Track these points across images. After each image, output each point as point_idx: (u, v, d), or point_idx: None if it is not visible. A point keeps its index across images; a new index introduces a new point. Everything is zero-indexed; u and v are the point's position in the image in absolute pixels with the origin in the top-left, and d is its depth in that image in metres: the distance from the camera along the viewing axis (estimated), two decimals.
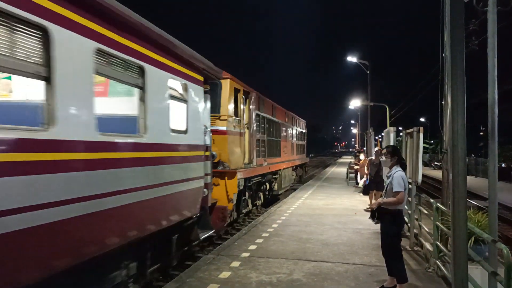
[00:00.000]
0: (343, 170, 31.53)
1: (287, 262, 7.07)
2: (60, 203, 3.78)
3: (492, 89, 5.14)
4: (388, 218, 5.65)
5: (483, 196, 20.28)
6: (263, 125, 14.65)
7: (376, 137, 29.40)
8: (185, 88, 6.87)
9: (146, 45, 5.45)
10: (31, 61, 3.58)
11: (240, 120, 12.04)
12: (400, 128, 19.84)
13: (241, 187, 11.17)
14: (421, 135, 7.84)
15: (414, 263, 7.08)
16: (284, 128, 18.88)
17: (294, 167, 21.59)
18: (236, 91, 11.76)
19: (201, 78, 7.59)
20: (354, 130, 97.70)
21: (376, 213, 5.81)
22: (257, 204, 14.20)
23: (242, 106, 12.26)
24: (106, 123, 4.87)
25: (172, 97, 6.32)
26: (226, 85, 10.87)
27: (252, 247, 8.12)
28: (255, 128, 13.15)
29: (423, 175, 8.76)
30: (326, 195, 17.13)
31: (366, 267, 6.86)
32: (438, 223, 6.61)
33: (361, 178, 17.51)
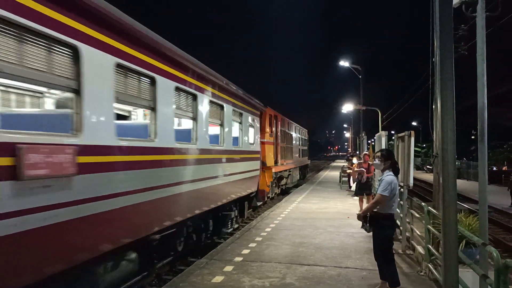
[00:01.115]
0: (336, 174, 31.61)
1: (280, 266, 7.08)
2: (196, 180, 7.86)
3: (481, 94, 5.20)
4: (380, 222, 5.69)
5: (474, 199, 20.41)
6: (282, 136, 20.61)
7: (369, 141, 29.55)
8: (253, 119, 12.93)
9: (246, 103, 11.79)
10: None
11: (272, 134, 17.80)
12: (393, 132, 19.99)
13: (274, 178, 17.49)
14: (412, 139, 7.90)
15: (406, 267, 7.11)
16: (294, 137, 25.01)
17: (300, 167, 27.98)
18: (270, 116, 17.61)
19: (258, 112, 13.77)
20: (347, 134, 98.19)
21: (368, 219, 5.84)
22: (276, 193, 19.17)
23: (273, 125, 18.16)
24: (236, 142, 10.95)
25: (250, 125, 12.39)
26: (266, 113, 16.60)
27: (246, 251, 8.11)
28: (279, 139, 19.43)
29: (416, 179, 8.83)
30: (319, 199, 17.16)
31: (358, 270, 6.88)
32: (429, 226, 6.65)
33: (353, 182, 17.57)
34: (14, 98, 6.48)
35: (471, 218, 7.27)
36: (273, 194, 18.02)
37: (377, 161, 6.08)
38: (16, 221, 3.49)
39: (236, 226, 11.49)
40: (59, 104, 6.67)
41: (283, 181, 20.65)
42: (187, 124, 8.32)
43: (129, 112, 9.13)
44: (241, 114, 11.24)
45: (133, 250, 5.87)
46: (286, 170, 20.77)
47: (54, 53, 4.17)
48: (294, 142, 24.79)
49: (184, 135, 7.49)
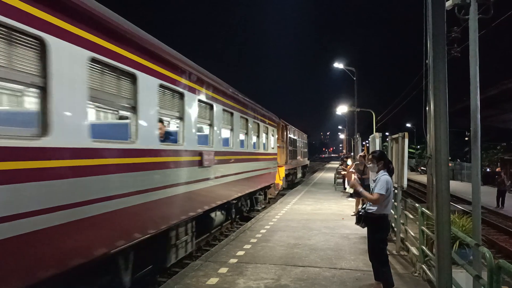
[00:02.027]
0: (331, 175, 31.67)
1: (275, 268, 7.08)
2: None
3: (474, 95, 5.25)
4: (374, 223, 5.70)
5: (468, 200, 20.53)
6: (290, 141, 25.00)
7: (363, 143, 29.63)
8: (273, 130, 17.18)
9: (270, 120, 16.73)
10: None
11: (284, 140, 22.15)
12: (387, 134, 20.01)
13: (285, 174, 21.85)
14: (406, 140, 7.94)
15: (400, 267, 7.14)
16: (298, 141, 29.65)
17: (301, 166, 33.03)
18: (283, 126, 21.96)
19: (275, 124, 18.37)
20: (342, 136, 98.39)
21: (362, 218, 5.86)
22: (283, 187, 22.25)
23: (284, 133, 22.47)
24: (265, 147, 15.29)
25: (272, 135, 16.84)
26: (280, 125, 20.71)
27: (240, 253, 8.11)
28: (288, 144, 23.73)
29: (410, 180, 8.88)
30: (314, 200, 17.18)
31: (353, 271, 6.90)
32: (423, 227, 6.68)
33: (348, 184, 17.60)
34: None
35: (464, 219, 7.30)
36: (282, 188, 21.74)
37: (370, 164, 6.10)
38: None
39: (263, 206, 16.10)
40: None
41: (290, 178, 25.39)
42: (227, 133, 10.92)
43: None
44: (267, 128, 15.82)
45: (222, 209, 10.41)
46: (293, 168, 26.44)
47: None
48: (298, 145, 29.62)
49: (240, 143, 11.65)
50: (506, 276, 8.05)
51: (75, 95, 4.39)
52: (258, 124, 14.02)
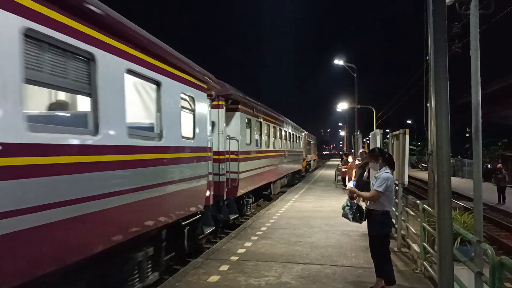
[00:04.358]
0: (331, 172, 31.68)
1: (276, 265, 7.07)
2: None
3: (475, 91, 5.21)
4: (376, 220, 5.68)
5: (469, 197, 20.51)
6: (308, 142, 36.42)
7: (364, 139, 29.59)
8: (300, 135, 29.90)
9: (300, 131, 31.04)
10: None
11: (304, 142, 32.06)
12: (387, 130, 20.00)
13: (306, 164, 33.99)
14: (407, 137, 7.91)
15: (401, 264, 7.13)
16: (310, 142, 40.77)
17: (314, 160, 47.23)
18: (305, 135, 32.78)
19: (302, 130, 31.53)
20: (342, 133, 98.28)
21: (364, 214, 5.85)
22: (297, 176, 28.90)
23: (306, 138, 34.04)
24: (298, 147, 28.54)
25: (301, 139, 30.81)
26: (304, 132, 32.53)
27: (241, 250, 8.10)
28: (306, 144, 33.49)
29: (411, 177, 8.85)
30: (314, 198, 17.18)
31: (354, 269, 6.89)
32: (424, 224, 6.67)
33: (349, 181, 17.58)
34: None
35: (466, 216, 7.29)
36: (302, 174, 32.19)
37: (370, 163, 6.08)
38: None
39: (296, 182, 26.82)
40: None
41: (309, 165, 39.39)
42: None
43: None
44: (312, 141, 33.77)
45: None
46: (309, 160, 39.41)
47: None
48: (311, 145, 42.23)
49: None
50: (508, 273, 8.04)
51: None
52: (299, 136, 28.49)
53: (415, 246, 7.26)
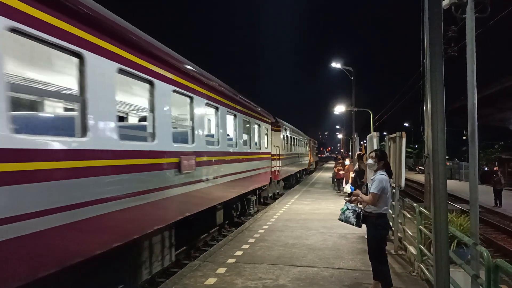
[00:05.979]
0: (328, 175, 31.69)
1: (273, 268, 7.07)
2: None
3: (471, 94, 5.24)
4: (373, 222, 5.69)
5: (466, 200, 20.55)
6: (312, 147, 46.59)
7: (361, 142, 29.64)
8: (309, 143, 42.22)
9: (311, 140, 46.16)
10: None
11: (309, 146, 41.67)
12: (385, 133, 20.03)
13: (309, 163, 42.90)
14: (404, 140, 7.93)
15: (398, 267, 7.14)
16: (313, 146, 49.78)
17: (315, 161, 55.95)
18: (310, 140, 42.80)
19: (307, 140, 40.19)
20: (340, 135, 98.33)
21: (361, 217, 5.86)
22: (305, 173, 37.06)
23: (310, 144, 44.29)
24: (305, 150, 37.25)
25: (307, 144, 40.91)
26: (310, 140, 44.75)
27: (238, 253, 8.10)
28: (311, 149, 45.26)
29: (408, 179, 8.89)
30: (312, 200, 17.19)
31: (351, 271, 6.89)
32: (421, 227, 6.67)
33: (346, 183, 17.60)
34: None
35: (462, 218, 7.31)
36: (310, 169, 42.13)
37: (370, 161, 6.10)
38: None
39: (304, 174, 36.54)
40: None
41: (312, 164, 47.23)
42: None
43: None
44: (314, 145, 45.51)
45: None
46: (312, 161, 47.22)
47: None
48: (314, 147, 51.11)
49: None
50: (504, 275, 8.05)
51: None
52: (305, 142, 35.85)
53: (411, 249, 7.27)
